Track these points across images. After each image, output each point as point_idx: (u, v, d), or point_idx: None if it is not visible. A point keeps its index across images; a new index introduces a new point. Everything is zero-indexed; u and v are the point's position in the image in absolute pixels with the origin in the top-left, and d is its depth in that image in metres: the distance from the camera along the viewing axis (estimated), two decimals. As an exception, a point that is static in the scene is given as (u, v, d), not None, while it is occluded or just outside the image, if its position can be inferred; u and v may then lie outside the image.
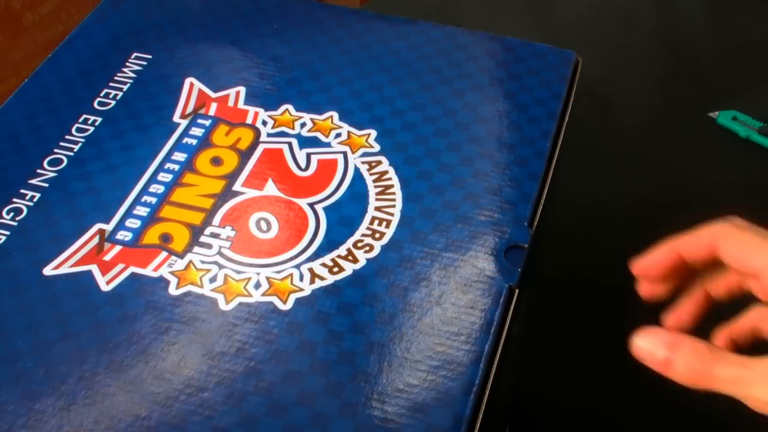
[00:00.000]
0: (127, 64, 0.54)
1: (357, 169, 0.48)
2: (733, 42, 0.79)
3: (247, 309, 0.41)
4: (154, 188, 0.47)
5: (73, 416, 0.38)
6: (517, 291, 0.43)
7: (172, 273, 0.43)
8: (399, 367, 0.39)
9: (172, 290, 0.42)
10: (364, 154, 0.48)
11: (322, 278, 0.43)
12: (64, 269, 0.43)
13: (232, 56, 0.54)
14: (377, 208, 0.46)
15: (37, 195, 0.46)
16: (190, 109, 0.51)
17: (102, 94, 0.52)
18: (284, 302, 0.42)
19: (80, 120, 0.50)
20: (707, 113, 0.71)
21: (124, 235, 0.44)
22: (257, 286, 0.42)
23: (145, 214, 0.45)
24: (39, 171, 0.48)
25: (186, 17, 0.57)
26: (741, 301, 0.42)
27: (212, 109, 0.51)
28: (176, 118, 0.50)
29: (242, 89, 0.52)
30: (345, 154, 0.48)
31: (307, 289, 0.42)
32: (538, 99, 0.52)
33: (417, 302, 0.42)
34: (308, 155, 0.48)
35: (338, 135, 0.49)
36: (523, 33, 0.57)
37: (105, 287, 0.42)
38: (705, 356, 0.39)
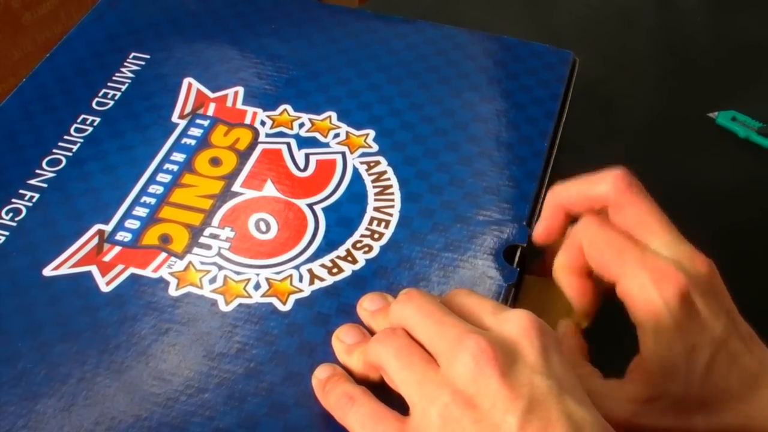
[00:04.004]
0: (125, 63, 0.54)
1: (356, 170, 0.47)
2: (733, 42, 0.79)
3: (247, 310, 0.41)
4: (153, 189, 0.46)
5: (74, 417, 0.38)
6: (514, 290, 0.43)
7: (171, 274, 0.43)
8: (398, 368, 0.39)
9: (172, 291, 0.42)
10: (363, 154, 0.48)
11: (321, 279, 0.43)
12: (64, 270, 0.43)
13: (231, 56, 0.54)
14: (376, 209, 0.46)
15: (36, 195, 0.46)
16: (188, 109, 0.51)
17: (100, 94, 0.52)
18: (284, 303, 0.42)
19: (79, 120, 0.50)
20: (707, 113, 0.71)
21: (123, 236, 0.44)
22: (257, 287, 0.42)
23: (144, 215, 0.45)
24: (38, 171, 0.47)
25: (184, 17, 0.57)
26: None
27: (210, 109, 0.51)
28: (175, 118, 0.50)
29: (240, 89, 0.52)
30: (343, 154, 0.48)
31: (307, 290, 0.42)
32: (536, 98, 0.52)
33: (416, 302, 0.42)
34: (307, 155, 0.48)
35: (337, 135, 0.49)
36: (522, 33, 0.57)
37: (105, 288, 0.42)
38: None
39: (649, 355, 0.38)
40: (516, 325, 0.35)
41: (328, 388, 0.37)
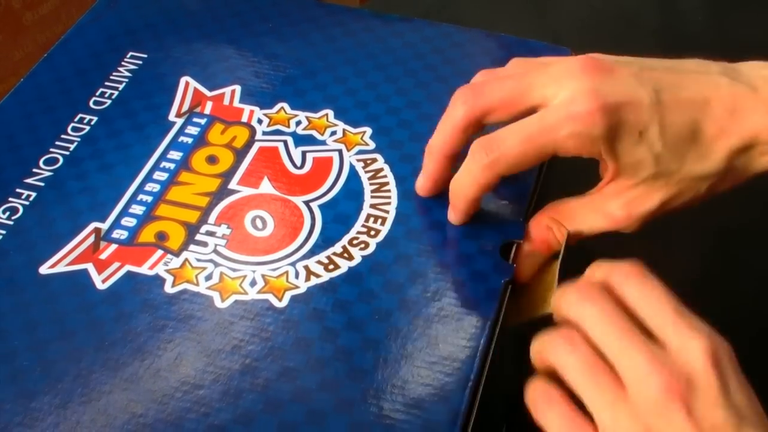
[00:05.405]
0: (123, 63, 0.54)
1: (352, 167, 0.47)
2: (733, 42, 0.79)
3: (243, 306, 0.41)
4: (150, 187, 0.47)
5: (70, 414, 0.38)
6: (512, 286, 0.43)
7: (167, 271, 0.43)
8: (394, 363, 0.39)
9: (168, 288, 0.42)
10: (360, 152, 0.48)
11: (317, 275, 0.43)
12: (60, 268, 0.43)
13: (228, 55, 0.54)
14: (372, 206, 0.45)
15: (33, 194, 0.46)
16: (185, 107, 0.51)
17: (97, 94, 0.52)
18: (280, 299, 0.42)
19: (76, 119, 0.50)
20: (707, 112, 0.71)
21: (119, 234, 0.44)
22: (253, 283, 0.42)
23: (140, 213, 0.45)
24: (35, 170, 0.48)
25: (181, 16, 0.57)
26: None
27: (207, 108, 0.51)
28: (172, 117, 0.50)
29: (237, 88, 0.52)
30: (340, 151, 0.48)
31: (303, 286, 0.42)
32: (533, 96, 0.51)
33: (412, 299, 0.42)
34: (303, 153, 0.48)
35: (333, 133, 0.49)
36: (523, 33, 0.57)
37: (101, 286, 0.42)
38: None
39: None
40: (698, 354, 0.36)
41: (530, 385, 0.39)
